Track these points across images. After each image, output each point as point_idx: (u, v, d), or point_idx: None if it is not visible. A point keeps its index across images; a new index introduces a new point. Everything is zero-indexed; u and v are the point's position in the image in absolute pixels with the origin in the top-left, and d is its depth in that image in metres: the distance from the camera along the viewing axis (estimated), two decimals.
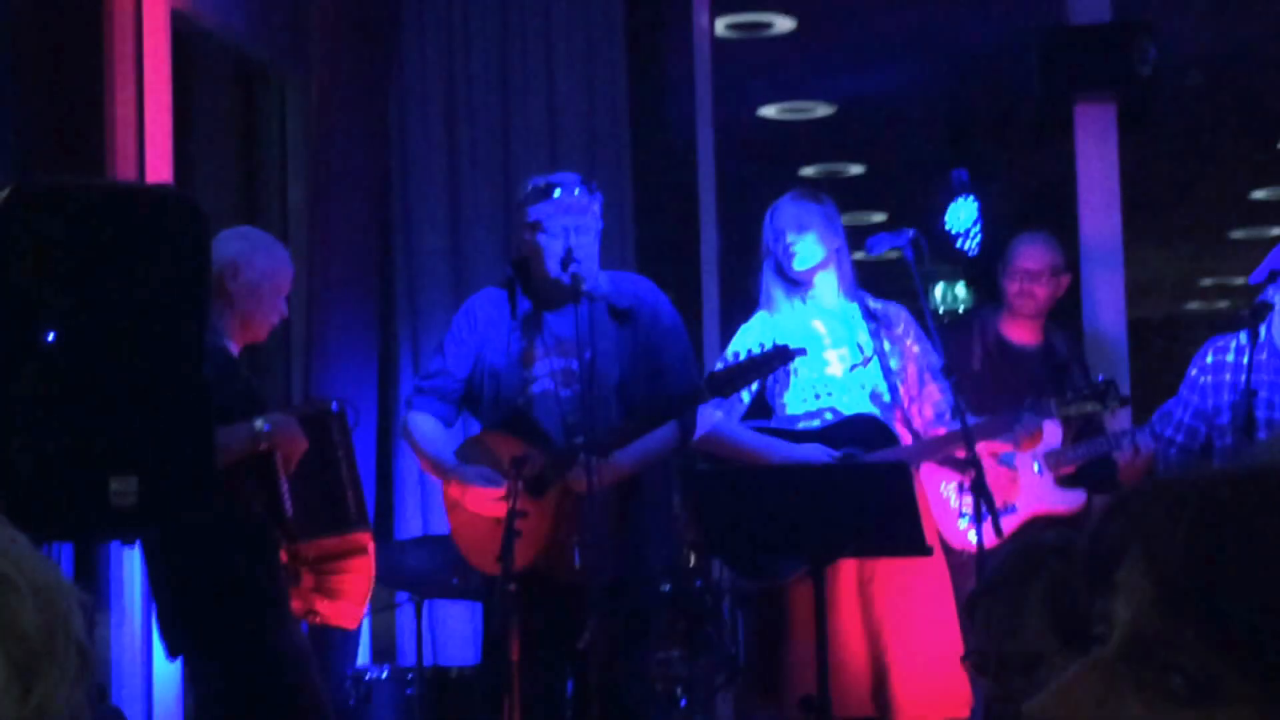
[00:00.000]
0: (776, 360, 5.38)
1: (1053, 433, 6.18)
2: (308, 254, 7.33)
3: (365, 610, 5.68)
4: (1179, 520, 1.15)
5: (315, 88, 7.53)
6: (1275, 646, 1.10)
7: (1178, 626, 1.13)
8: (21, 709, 1.51)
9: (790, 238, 5.83)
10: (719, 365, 5.64)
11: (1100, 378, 6.06)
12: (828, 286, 5.89)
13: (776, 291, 5.90)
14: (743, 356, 5.42)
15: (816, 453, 5.69)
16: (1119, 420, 6.90)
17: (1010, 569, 2.78)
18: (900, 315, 5.94)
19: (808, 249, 5.83)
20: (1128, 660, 1.16)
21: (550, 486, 5.40)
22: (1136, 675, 1.15)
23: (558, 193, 5.53)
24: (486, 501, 5.46)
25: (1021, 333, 6.76)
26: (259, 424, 5.03)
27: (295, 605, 5.26)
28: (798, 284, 5.88)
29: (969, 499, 5.57)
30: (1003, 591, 2.75)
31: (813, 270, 5.86)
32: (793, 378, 5.85)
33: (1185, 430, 6.10)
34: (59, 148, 5.91)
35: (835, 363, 5.86)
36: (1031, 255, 6.69)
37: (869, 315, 5.89)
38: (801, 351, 5.46)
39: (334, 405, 5.51)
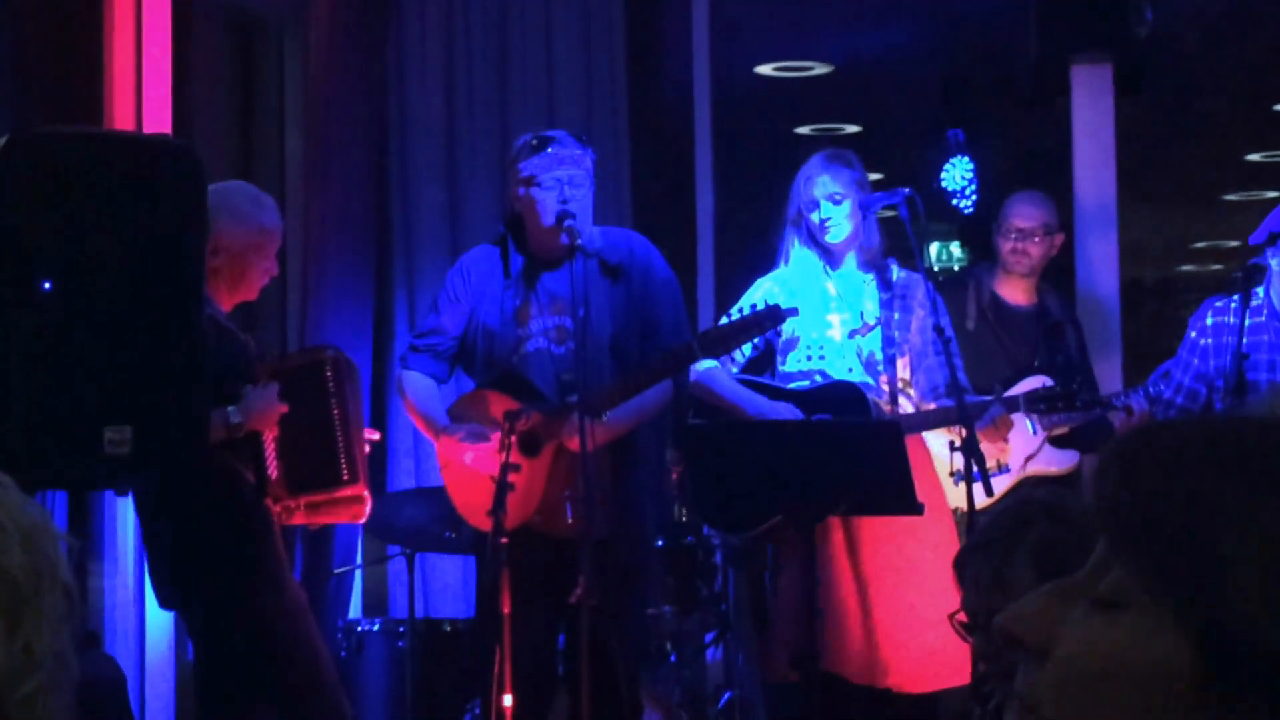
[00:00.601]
0: (768, 321, 5.33)
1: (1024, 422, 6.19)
2: (304, 207, 7.33)
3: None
4: (1114, 461, 1.24)
5: (314, 40, 7.51)
6: (1185, 578, 1.18)
7: (1113, 552, 1.23)
8: (8, 649, 1.52)
9: (826, 210, 5.78)
10: (723, 320, 5.61)
11: (1074, 383, 6.03)
12: (851, 252, 5.88)
13: (800, 253, 5.86)
14: (734, 316, 5.42)
15: (788, 412, 5.66)
16: (1113, 383, 6.92)
17: (999, 527, 2.79)
18: (919, 286, 5.85)
19: (843, 221, 5.80)
20: (1083, 582, 1.27)
21: (543, 445, 5.41)
22: (1085, 592, 1.26)
23: (550, 147, 5.51)
24: (479, 459, 5.46)
25: (1016, 293, 6.76)
26: (230, 413, 5.03)
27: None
28: (829, 252, 5.85)
29: (960, 458, 5.56)
30: (991, 549, 2.76)
31: (846, 242, 5.83)
32: (799, 339, 5.83)
33: (1185, 392, 6.10)
34: (57, 98, 5.89)
35: (836, 326, 5.83)
36: (1025, 213, 6.69)
37: (884, 285, 5.85)
38: (793, 312, 5.40)
39: (329, 352, 5.51)
